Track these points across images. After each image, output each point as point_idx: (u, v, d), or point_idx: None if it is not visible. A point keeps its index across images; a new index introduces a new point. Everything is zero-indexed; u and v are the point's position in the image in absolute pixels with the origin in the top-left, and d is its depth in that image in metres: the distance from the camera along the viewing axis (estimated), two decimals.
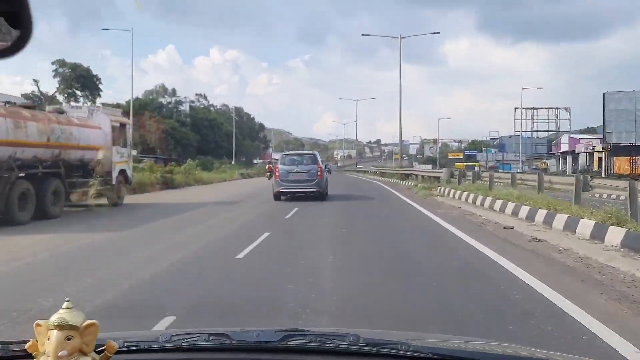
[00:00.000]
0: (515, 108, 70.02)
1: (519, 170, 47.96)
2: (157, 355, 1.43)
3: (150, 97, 73.63)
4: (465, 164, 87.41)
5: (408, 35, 45.73)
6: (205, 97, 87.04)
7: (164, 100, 75.27)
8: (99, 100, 49.99)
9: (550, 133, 73.87)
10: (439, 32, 48.79)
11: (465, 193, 18.27)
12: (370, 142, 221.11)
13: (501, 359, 1.46)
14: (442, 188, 22.17)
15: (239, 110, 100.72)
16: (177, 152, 62.95)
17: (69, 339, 1.03)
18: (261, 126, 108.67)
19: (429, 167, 68.73)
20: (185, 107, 76.14)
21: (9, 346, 1.32)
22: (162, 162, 54.13)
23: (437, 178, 27.33)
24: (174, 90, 76.94)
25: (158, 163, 44.11)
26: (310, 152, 23.08)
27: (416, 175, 34.91)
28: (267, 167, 44.14)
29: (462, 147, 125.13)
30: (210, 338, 1.47)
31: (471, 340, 1.71)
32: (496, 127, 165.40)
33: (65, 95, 45.79)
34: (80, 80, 46.04)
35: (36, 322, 1.07)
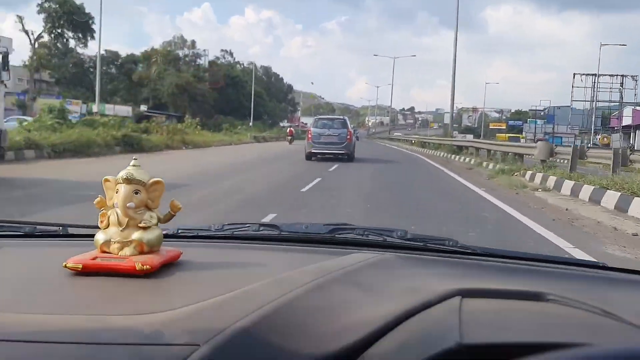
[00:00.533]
0: (575, 74, 61.40)
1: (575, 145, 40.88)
2: (209, 242, 1.45)
3: (168, 48, 67.35)
4: (507, 135, 79.58)
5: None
6: (231, 54, 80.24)
7: (182, 52, 68.88)
8: (92, 45, 43.45)
9: (613, 104, 64.97)
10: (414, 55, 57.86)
11: (607, 190, 9.51)
12: (403, 109, 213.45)
13: (540, 256, 1.42)
14: (536, 173, 13.62)
15: (266, 70, 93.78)
16: (191, 110, 56.94)
17: (136, 193, 1.07)
18: (289, 87, 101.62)
19: (470, 136, 61.04)
20: (204, 61, 69.59)
21: (68, 228, 1.48)
22: (173, 119, 48.47)
23: (520, 156, 18.11)
24: (193, 42, 70.41)
25: (167, 121, 38.28)
26: (341, 117, 24.07)
27: (477, 149, 24.80)
28: (288, 130, 43.21)
29: (504, 117, 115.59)
30: (261, 229, 1.51)
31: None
32: (538, 98, 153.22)
33: (52, 35, 39.55)
34: (70, 19, 39.51)
35: (105, 177, 1.11)
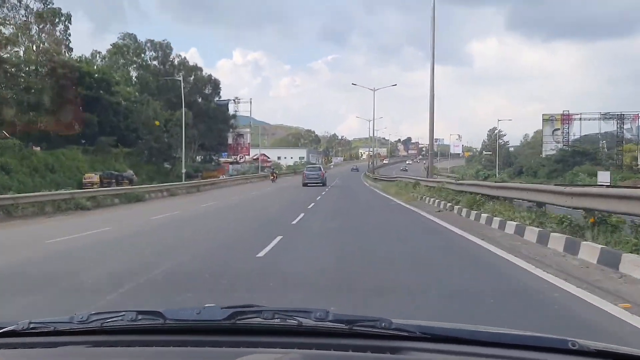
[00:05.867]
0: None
1: None
2: (72, 338, 1.26)
3: None
4: None
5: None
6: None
7: None
8: None
9: None
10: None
11: None
12: (399, 140, 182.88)
13: (487, 336, 1.32)
14: None
15: (193, 71, 61.16)
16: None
17: None
18: (225, 106, 68.52)
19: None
20: None
21: None
22: None
23: None
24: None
25: None
26: (318, 165, 47.67)
27: None
28: (270, 174, 49.99)
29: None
30: (139, 317, 1.30)
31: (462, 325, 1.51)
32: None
33: None
34: None
35: None
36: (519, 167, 68.61)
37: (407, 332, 1.24)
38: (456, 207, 14.84)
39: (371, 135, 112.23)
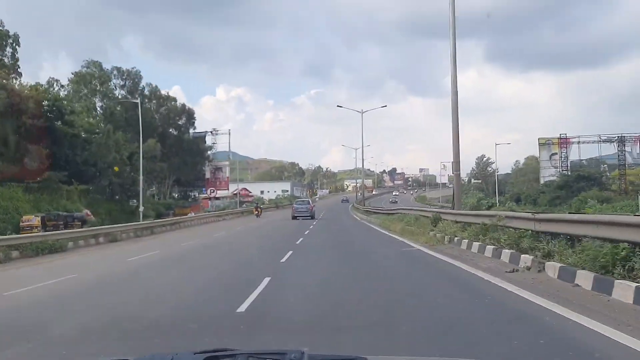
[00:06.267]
0: None
1: None
2: None
3: None
4: None
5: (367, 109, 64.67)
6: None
7: None
8: None
9: None
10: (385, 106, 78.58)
11: None
12: (384, 171, 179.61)
13: None
14: None
15: (162, 100, 56.46)
16: None
17: None
18: (208, 147, 63.64)
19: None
20: None
21: None
22: None
23: None
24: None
25: None
26: (307, 199, 54.53)
27: None
28: (254, 208, 50.62)
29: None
30: None
31: None
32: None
33: None
34: None
35: None
36: (516, 194, 64.55)
37: None
38: (556, 265, 8.04)
39: (359, 165, 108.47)
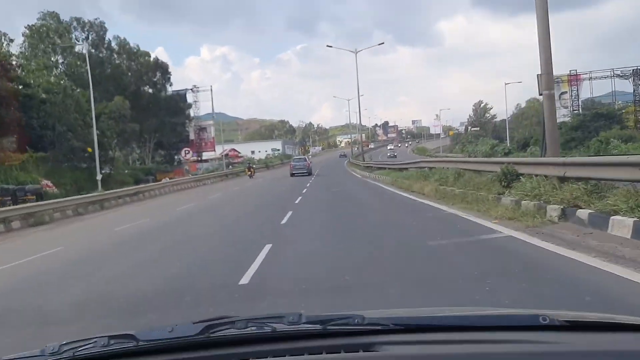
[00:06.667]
0: None
1: None
2: None
3: None
4: None
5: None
6: None
7: None
8: None
9: None
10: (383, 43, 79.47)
11: None
12: (376, 125, 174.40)
13: (456, 321, 1.33)
14: None
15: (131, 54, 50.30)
16: None
17: None
18: (182, 98, 58.20)
19: None
20: None
21: None
22: None
23: None
24: None
25: None
26: (303, 157, 50.42)
27: None
28: (246, 168, 47.61)
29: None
30: (111, 342, 1.28)
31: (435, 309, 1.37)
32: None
33: None
34: None
35: None
36: (522, 140, 60.04)
37: (379, 325, 1.24)
38: None
39: (351, 120, 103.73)
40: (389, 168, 28.91)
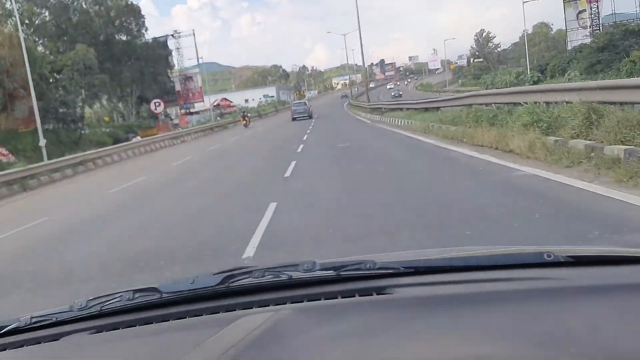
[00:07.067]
0: None
1: None
2: (75, 326, 1.29)
3: None
4: None
5: None
6: None
7: None
8: None
9: None
10: None
11: None
12: (372, 64, 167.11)
13: (462, 262, 1.37)
14: None
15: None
16: None
17: None
18: (161, 45, 52.55)
19: None
20: None
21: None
22: None
23: None
24: None
25: None
26: (304, 101, 47.89)
27: None
28: (241, 117, 43.09)
29: None
30: (136, 296, 1.33)
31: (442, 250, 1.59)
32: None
33: None
34: None
35: None
36: (538, 66, 54.93)
37: (391, 269, 1.28)
38: None
39: (345, 60, 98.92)
40: (409, 109, 22.53)
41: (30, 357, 1.12)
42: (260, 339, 1.02)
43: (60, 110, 29.78)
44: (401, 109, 24.21)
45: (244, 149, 21.21)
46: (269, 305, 1.23)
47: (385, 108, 28.37)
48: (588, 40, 49.39)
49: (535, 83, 34.52)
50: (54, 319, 1.29)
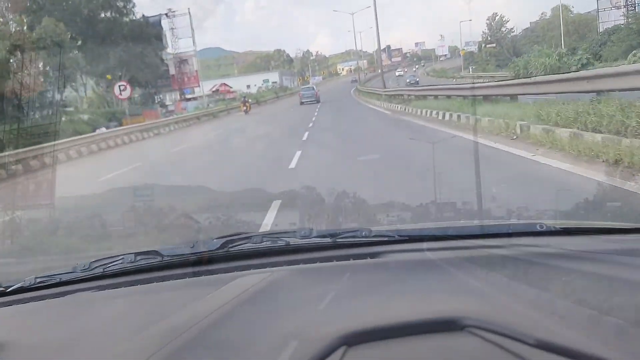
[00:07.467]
0: None
1: None
2: (78, 286, 1.32)
3: None
4: None
5: None
6: None
7: None
8: None
9: None
10: None
11: None
12: (379, 49, 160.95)
13: (456, 231, 1.37)
14: None
15: None
16: None
17: None
18: (154, 25, 48.17)
19: None
20: None
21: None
22: None
23: None
24: None
25: None
26: (312, 86, 50.23)
27: None
28: (241, 103, 40.65)
29: None
30: (138, 258, 1.36)
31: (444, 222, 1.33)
32: None
33: None
34: None
35: None
36: (567, 50, 50.27)
37: (386, 237, 1.30)
38: None
39: (350, 46, 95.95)
40: (452, 96, 16.58)
41: (34, 312, 1.15)
42: (255, 296, 1.04)
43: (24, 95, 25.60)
44: (436, 97, 18.66)
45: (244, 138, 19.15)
46: (266, 268, 1.23)
47: (406, 96, 22.63)
48: (622, 22, 44.79)
49: (583, 66, 29.97)
50: (58, 279, 1.31)
